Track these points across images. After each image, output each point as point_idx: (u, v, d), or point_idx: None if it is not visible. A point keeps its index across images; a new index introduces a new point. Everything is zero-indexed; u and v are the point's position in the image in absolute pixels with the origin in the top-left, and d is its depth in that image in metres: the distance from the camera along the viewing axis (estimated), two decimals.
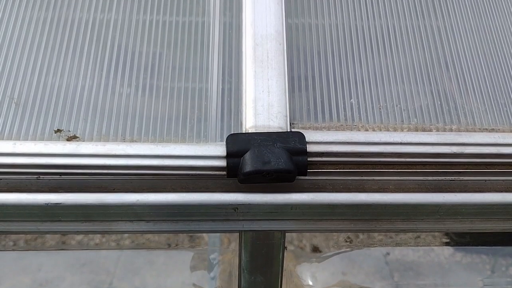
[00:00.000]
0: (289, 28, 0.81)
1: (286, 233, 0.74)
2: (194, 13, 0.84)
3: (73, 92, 0.74)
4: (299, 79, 0.77)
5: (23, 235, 2.06)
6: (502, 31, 0.86)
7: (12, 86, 0.74)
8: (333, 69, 0.78)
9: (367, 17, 0.84)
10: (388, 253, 1.67)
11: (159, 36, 0.80)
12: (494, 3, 0.89)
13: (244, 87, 0.74)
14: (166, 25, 0.82)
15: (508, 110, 0.77)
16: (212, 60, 0.79)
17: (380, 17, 0.84)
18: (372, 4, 0.85)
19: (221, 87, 0.76)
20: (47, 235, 2.10)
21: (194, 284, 1.25)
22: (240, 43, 0.79)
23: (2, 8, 0.81)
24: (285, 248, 0.75)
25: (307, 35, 0.82)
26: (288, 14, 0.82)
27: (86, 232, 0.69)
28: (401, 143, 0.70)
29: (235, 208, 0.68)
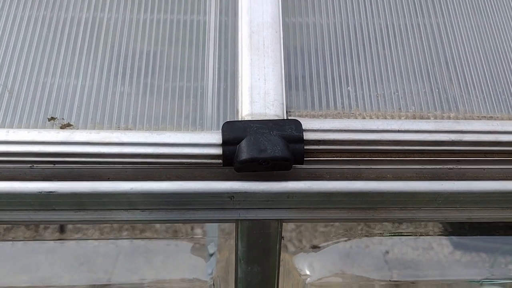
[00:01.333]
0: (285, 22, 0.81)
1: (283, 223, 0.73)
2: (189, 7, 0.83)
3: (67, 84, 0.73)
4: (296, 67, 0.77)
5: (21, 234, 2.06)
6: (500, 22, 0.85)
7: (6, 76, 0.73)
8: (330, 58, 0.78)
9: (366, 14, 0.83)
10: (387, 252, 1.66)
11: (153, 33, 0.80)
12: None
13: (240, 75, 0.73)
14: (161, 22, 0.81)
15: (507, 98, 0.76)
16: (208, 49, 0.78)
17: (379, 14, 0.83)
18: (371, 2, 0.85)
19: (217, 75, 0.76)
20: (46, 234, 2.09)
21: (194, 278, 1.25)
22: (236, 31, 0.78)
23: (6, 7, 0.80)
24: (282, 238, 0.74)
25: (304, 29, 0.81)
26: (285, 12, 0.81)
27: (80, 222, 0.68)
28: (398, 131, 0.69)
29: (231, 196, 0.67)
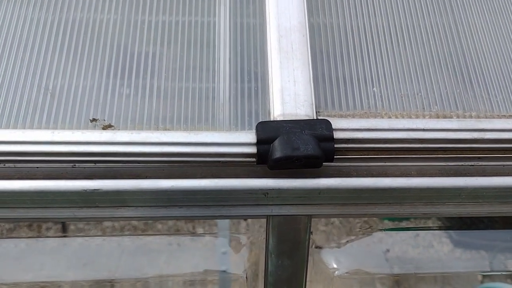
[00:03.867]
0: (311, 23, 0.84)
1: (312, 218, 0.77)
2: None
3: (106, 86, 0.76)
4: (322, 69, 0.80)
5: (25, 238, 2.09)
6: None
7: (46, 78, 0.76)
8: (355, 60, 0.81)
9: (388, 16, 0.87)
10: (388, 250, 1.69)
11: (179, 35, 0.83)
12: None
13: (270, 77, 0.76)
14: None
15: None
16: (236, 52, 0.81)
17: (399, 15, 0.87)
18: (394, 3, 0.88)
19: (246, 77, 0.79)
20: (50, 238, 2.13)
21: (205, 270, 1.26)
22: (264, 35, 0.82)
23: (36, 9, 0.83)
24: (311, 232, 0.77)
25: (329, 31, 0.84)
26: (310, 13, 0.84)
27: (121, 218, 0.72)
28: (424, 129, 0.73)
29: (265, 193, 0.71)
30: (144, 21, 0.84)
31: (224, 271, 1.04)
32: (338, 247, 1.07)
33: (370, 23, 0.86)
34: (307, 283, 0.80)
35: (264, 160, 0.70)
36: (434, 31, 0.86)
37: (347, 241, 1.12)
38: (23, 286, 1.35)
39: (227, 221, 1.71)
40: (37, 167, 0.70)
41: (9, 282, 1.33)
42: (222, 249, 1.45)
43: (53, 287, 1.35)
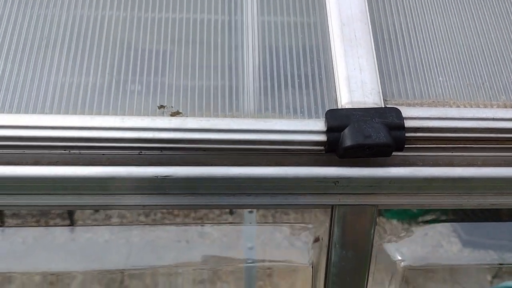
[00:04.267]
0: (371, 13, 0.82)
1: (379, 209, 0.76)
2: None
3: (170, 74, 0.75)
4: (386, 58, 0.79)
5: (31, 231, 2.07)
6: None
7: (110, 66, 0.75)
8: (419, 49, 0.80)
9: (449, 4, 0.86)
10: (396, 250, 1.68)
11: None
12: None
13: (335, 66, 0.75)
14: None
15: None
16: (299, 42, 0.80)
17: (463, 5, 0.86)
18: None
19: (310, 65, 0.78)
20: (57, 232, 2.11)
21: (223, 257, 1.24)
22: (325, 23, 0.81)
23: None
24: (376, 224, 0.76)
25: (389, 19, 0.83)
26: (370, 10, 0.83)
27: (189, 206, 0.71)
28: (493, 119, 0.72)
29: (335, 181, 0.70)
30: (203, 20, 0.83)
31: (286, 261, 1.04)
32: (396, 241, 1.07)
33: (433, 12, 0.85)
34: (370, 274, 0.79)
35: (333, 148, 0.69)
36: (495, 21, 0.85)
37: (405, 235, 1.12)
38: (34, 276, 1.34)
39: (254, 214, 1.69)
40: (103, 154, 0.69)
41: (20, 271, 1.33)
42: (248, 244, 1.44)
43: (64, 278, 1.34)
